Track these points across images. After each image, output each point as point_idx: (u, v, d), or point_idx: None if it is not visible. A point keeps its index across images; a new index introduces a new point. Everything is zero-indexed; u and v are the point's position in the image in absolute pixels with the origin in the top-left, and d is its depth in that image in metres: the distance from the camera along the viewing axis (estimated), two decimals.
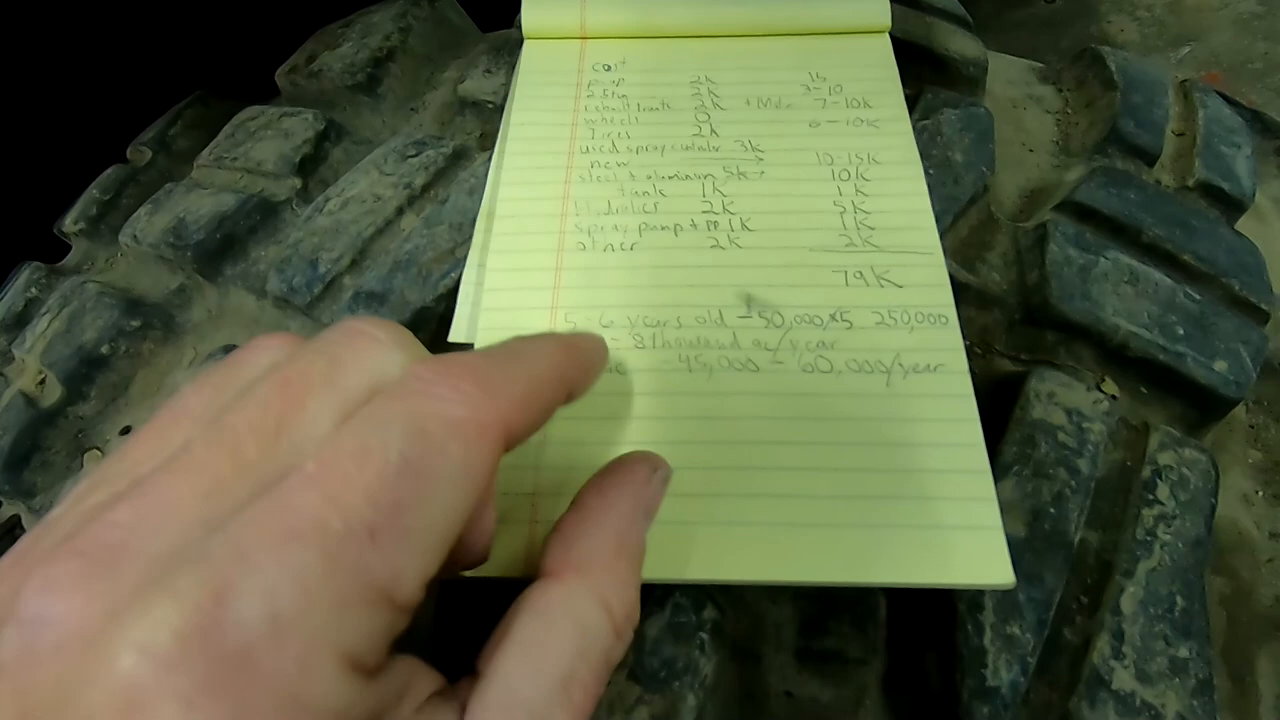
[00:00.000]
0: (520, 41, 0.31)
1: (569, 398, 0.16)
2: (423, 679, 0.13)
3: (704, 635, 0.19)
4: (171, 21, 0.46)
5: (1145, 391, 0.24)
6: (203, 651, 0.10)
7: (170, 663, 0.10)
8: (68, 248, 0.39)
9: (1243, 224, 0.34)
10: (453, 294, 0.24)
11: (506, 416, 0.13)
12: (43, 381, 0.29)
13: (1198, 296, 0.25)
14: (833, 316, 0.22)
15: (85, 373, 0.28)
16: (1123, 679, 0.19)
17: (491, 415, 0.13)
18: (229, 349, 0.26)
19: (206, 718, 0.09)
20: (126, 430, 0.28)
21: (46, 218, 0.40)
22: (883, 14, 0.29)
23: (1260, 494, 0.25)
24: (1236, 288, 0.26)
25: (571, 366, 0.16)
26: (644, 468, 0.17)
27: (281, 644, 0.10)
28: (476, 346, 0.23)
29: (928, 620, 0.20)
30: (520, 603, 0.14)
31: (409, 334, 0.14)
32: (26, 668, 0.10)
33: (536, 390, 0.14)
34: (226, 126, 0.34)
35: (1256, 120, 0.41)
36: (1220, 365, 0.24)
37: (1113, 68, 0.33)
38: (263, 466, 0.12)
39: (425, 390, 0.13)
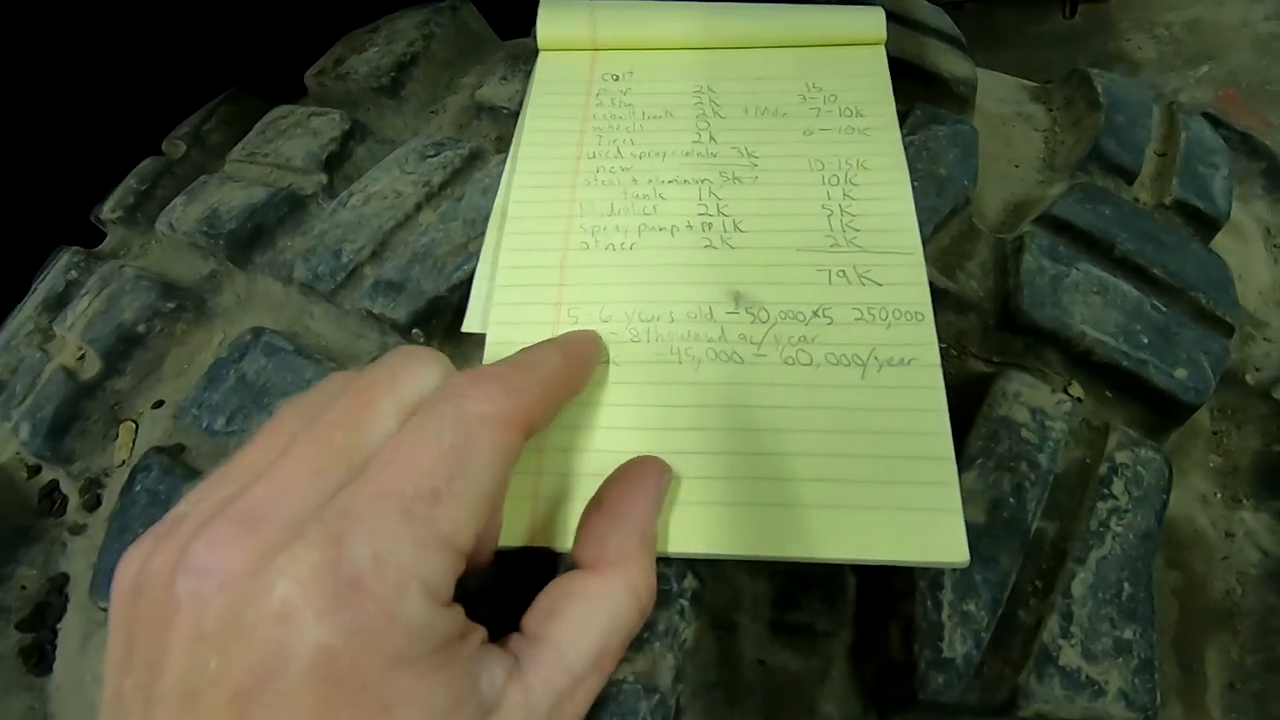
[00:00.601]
0: (535, 51, 0.33)
1: (573, 394, 0.21)
2: (476, 629, 0.16)
3: (684, 602, 0.21)
4: (204, 22, 0.48)
5: (1110, 395, 0.26)
6: (330, 578, 0.14)
7: (309, 586, 0.14)
8: (98, 233, 0.41)
9: (1224, 243, 0.35)
10: (465, 284, 0.26)
11: (524, 412, 0.17)
12: (82, 357, 0.32)
13: (1164, 308, 0.27)
14: (815, 312, 0.23)
15: (123, 349, 0.30)
16: (1070, 656, 0.21)
17: (512, 411, 0.17)
18: (258, 331, 0.28)
19: (334, 621, 0.13)
20: (159, 404, 0.30)
21: (77, 206, 0.42)
22: (878, 27, 0.31)
23: (1218, 495, 0.27)
24: (1203, 301, 0.27)
25: (572, 370, 0.21)
26: (654, 471, 0.20)
27: (381, 573, 0.14)
28: (488, 337, 0.24)
29: (892, 596, 0.22)
30: (568, 585, 0.18)
31: (444, 356, 0.18)
32: (199, 602, 0.14)
33: (546, 392, 0.19)
34: (258, 124, 0.36)
35: (1245, 143, 0.42)
36: (1181, 373, 0.25)
37: (1099, 89, 0.34)
38: (350, 452, 0.16)
39: (462, 394, 0.17)
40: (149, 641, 0.14)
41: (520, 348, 0.24)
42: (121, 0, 0.45)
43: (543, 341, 0.21)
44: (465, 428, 0.16)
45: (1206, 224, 0.31)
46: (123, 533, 0.25)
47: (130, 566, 0.16)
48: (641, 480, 0.20)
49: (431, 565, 0.15)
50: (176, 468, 0.26)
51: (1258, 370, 0.29)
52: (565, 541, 0.21)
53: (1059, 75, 0.38)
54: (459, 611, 0.16)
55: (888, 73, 0.30)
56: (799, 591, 0.23)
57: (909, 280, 0.24)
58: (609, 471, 0.20)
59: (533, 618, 0.17)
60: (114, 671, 0.15)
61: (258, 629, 0.13)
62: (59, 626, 0.28)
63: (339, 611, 0.13)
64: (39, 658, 0.28)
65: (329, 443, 0.16)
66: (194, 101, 0.44)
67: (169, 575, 0.14)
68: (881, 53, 0.30)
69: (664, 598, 0.21)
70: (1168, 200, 0.31)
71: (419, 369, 0.17)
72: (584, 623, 0.17)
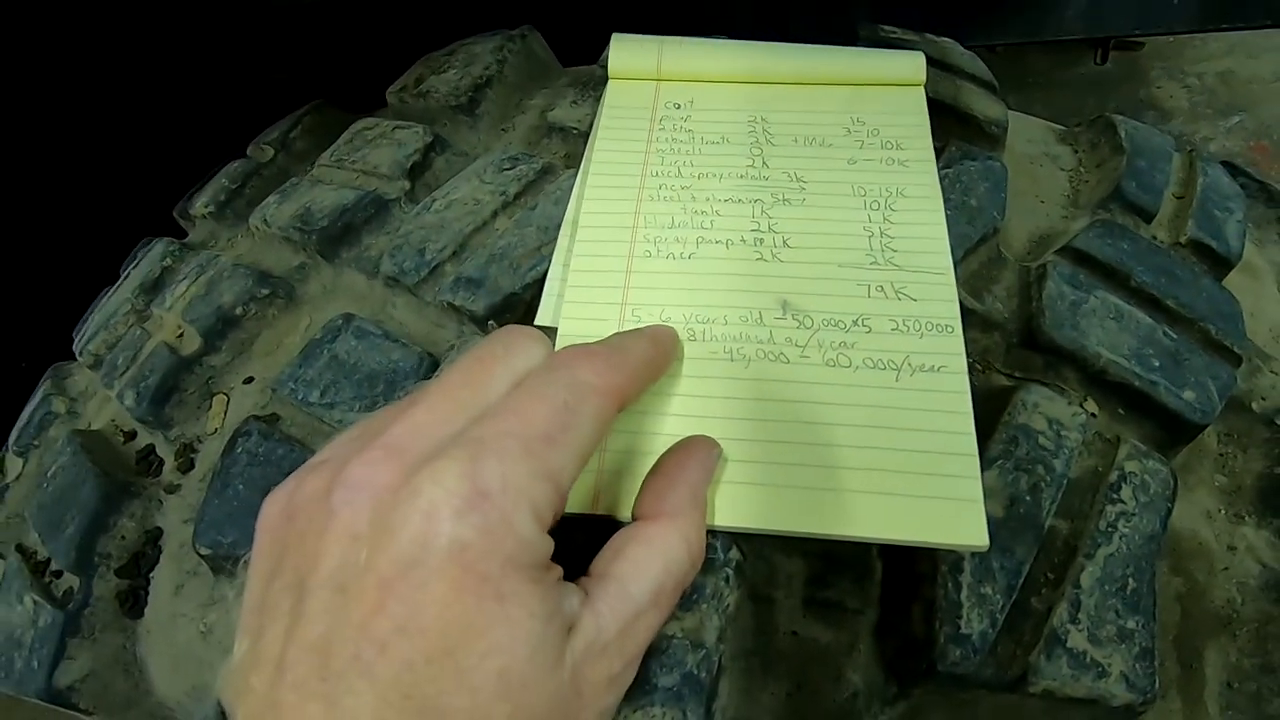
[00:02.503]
0: (602, 79, 0.36)
1: (656, 379, 0.24)
2: (556, 566, 0.19)
3: (729, 571, 0.23)
4: (293, 41, 0.53)
5: (1122, 412, 0.28)
6: (467, 487, 0.17)
7: (452, 491, 0.16)
8: (169, 226, 0.45)
9: (1240, 282, 0.37)
10: (538, 284, 0.29)
11: (621, 387, 0.20)
12: (181, 335, 0.35)
13: (1175, 336, 0.29)
14: (855, 322, 0.26)
15: (220, 329, 0.34)
16: (1077, 640, 0.23)
17: (613, 384, 0.20)
18: (349, 317, 0.31)
19: (469, 521, 0.16)
20: (249, 380, 0.33)
21: (139, 203, 0.46)
22: (919, 70, 0.34)
23: (1222, 512, 0.29)
24: (1213, 331, 0.29)
25: (659, 357, 0.24)
26: (705, 444, 0.23)
27: (505, 490, 0.17)
28: (559, 331, 0.27)
29: (916, 580, 0.24)
30: (630, 533, 0.20)
31: (545, 337, 0.21)
32: (353, 509, 0.17)
33: (638, 372, 0.22)
34: (345, 133, 0.40)
35: (1263, 191, 0.44)
36: (1189, 394, 0.27)
37: (1122, 134, 0.37)
38: (471, 406, 0.19)
39: (572, 365, 0.20)
40: (301, 549, 0.17)
41: (587, 340, 0.27)
42: (198, 26, 0.50)
43: (634, 331, 0.24)
44: (576, 391, 0.19)
45: (1219, 262, 0.33)
46: (224, 488, 0.28)
47: (277, 500, 0.18)
48: (694, 451, 0.22)
49: (541, 493, 0.18)
50: (273, 433, 0.29)
51: (1263, 400, 0.31)
52: (623, 511, 0.23)
53: (1088, 120, 0.41)
54: (551, 543, 0.18)
55: (926, 111, 0.32)
56: (830, 571, 0.25)
57: (941, 297, 0.26)
58: (664, 450, 0.23)
59: (599, 561, 0.20)
60: (259, 582, 0.18)
61: (406, 525, 0.16)
62: (152, 575, 0.31)
63: (472, 513, 0.16)
64: (133, 602, 0.30)
65: (454, 396, 0.19)
66: (240, 116, 0.48)
67: (323, 494, 0.17)
68: (921, 93, 0.33)
69: (710, 565, 0.23)
70: (1183, 239, 0.34)
71: (528, 344, 0.21)
72: (644, 563, 0.19)
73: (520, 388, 0.19)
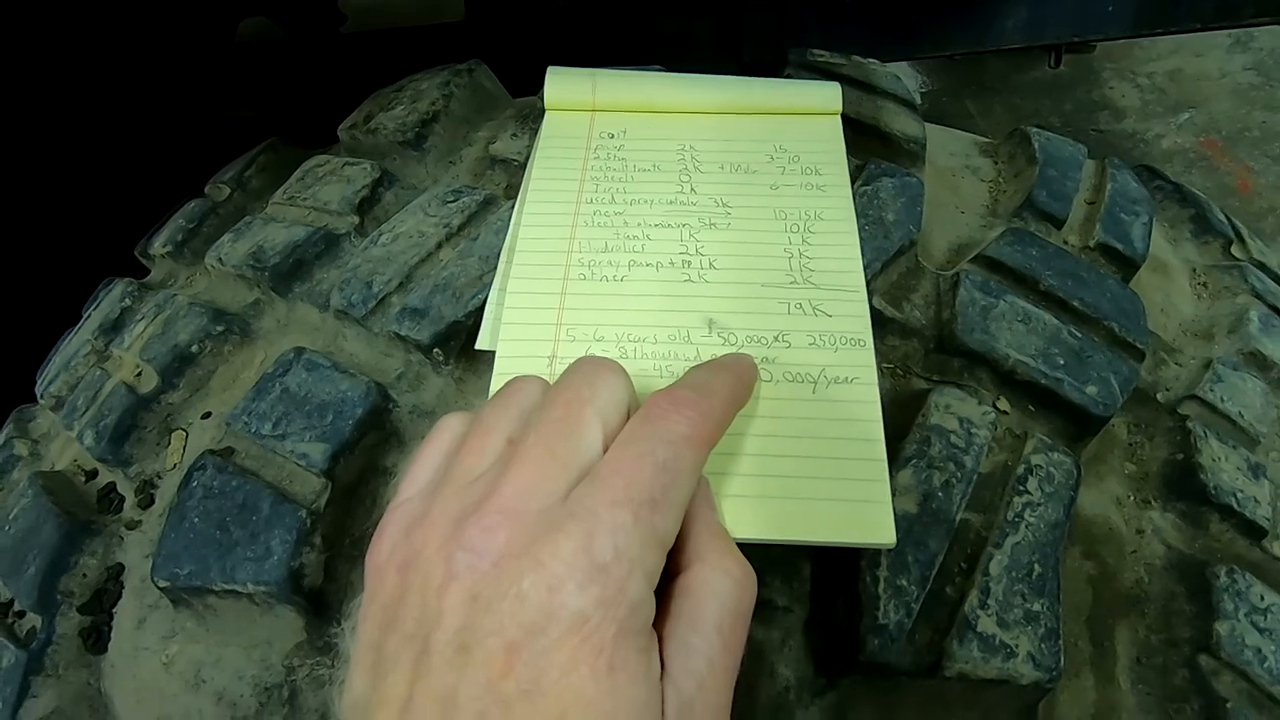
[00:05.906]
0: (542, 111, 0.38)
1: (740, 410, 0.24)
2: (654, 630, 0.19)
3: None
4: (256, 79, 0.54)
5: (1032, 409, 0.30)
6: (585, 562, 0.18)
7: (573, 566, 0.18)
8: (130, 265, 0.45)
9: (1153, 280, 0.40)
10: (480, 312, 0.30)
11: (714, 434, 0.21)
12: (139, 374, 0.36)
13: (1080, 334, 0.31)
14: (775, 338, 0.28)
15: (177, 367, 0.35)
16: (986, 624, 0.24)
17: (705, 433, 0.21)
18: (300, 350, 0.32)
19: (589, 595, 0.17)
20: (207, 415, 0.34)
21: (117, 241, 0.47)
22: (835, 100, 0.36)
23: (1131, 498, 0.31)
24: (1116, 329, 0.31)
25: (742, 391, 0.24)
26: (703, 480, 0.23)
27: (620, 562, 0.18)
28: (497, 353, 0.29)
29: (839, 575, 0.25)
30: (670, 588, 0.20)
31: (618, 365, 0.22)
32: (475, 573, 0.18)
33: (727, 413, 0.23)
34: (297, 171, 0.41)
35: (1177, 192, 0.47)
36: (1091, 389, 0.29)
37: (1036, 146, 0.39)
38: (570, 462, 0.20)
39: (666, 416, 0.21)
40: (419, 604, 0.18)
41: (526, 361, 0.28)
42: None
43: (718, 365, 0.24)
44: (673, 448, 0.20)
45: (1126, 264, 0.36)
46: (181, 521, 0.29)
47: (387, 547, 0.20)
48: (701, 490, 0.22)
49: (650, 559, 0.19)
50: (228, 466, 0.30)
51: (1168, 390, 0.33)
52: None
53: (1048, 121, 0.43)
54: (654, 604, 0.19)
55: (843, 138, 0.34)
56: (762, 571, 0.26)
57: (854, 313, 0.28)
58: None
59: (657, 621, 0.19)
60: (374, 626, 0.19)
61: (531, 595, 0.17)
62: (115, 611, 0.32)
63: (592, 587, 0.17)
64: (96, 638, 0.31)
65: (552, 452, 0.20)
66: (205, 154, 0.49)
67: (439, 551, 0.18)
68: (838, 121, 0.35)
69: None
70: (1092, 243, 0.36)
71: (608, 378, 0.21)
72: (696, 614, 0.19)
73: (619, 446, 0.20)
